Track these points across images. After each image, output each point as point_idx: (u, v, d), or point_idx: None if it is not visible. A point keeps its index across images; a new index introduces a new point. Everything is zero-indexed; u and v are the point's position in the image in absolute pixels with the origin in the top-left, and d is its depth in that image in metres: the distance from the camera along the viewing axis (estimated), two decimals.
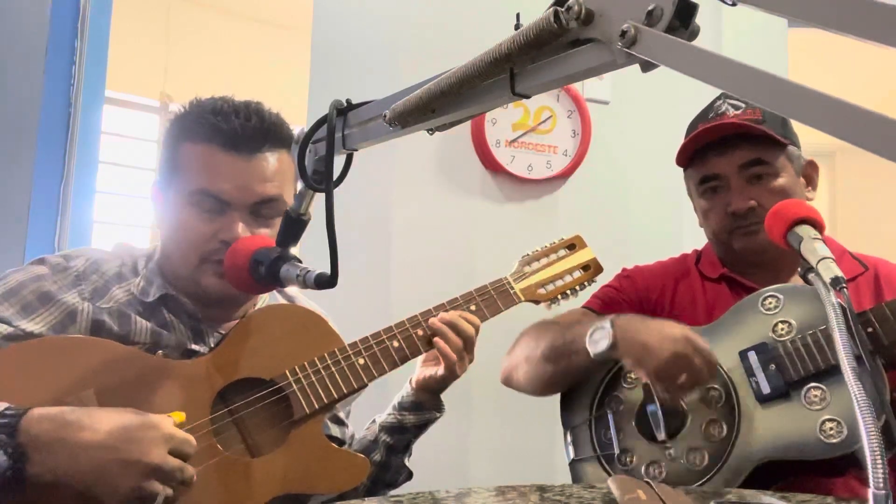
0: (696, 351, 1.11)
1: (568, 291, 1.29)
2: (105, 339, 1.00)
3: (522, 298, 1.23)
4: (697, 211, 1.40)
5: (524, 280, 1.25)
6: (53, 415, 0.85)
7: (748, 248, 1.29)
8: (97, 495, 0.84)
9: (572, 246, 1.32)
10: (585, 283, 1.31)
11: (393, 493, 1.22)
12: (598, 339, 1.18)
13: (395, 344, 1.12)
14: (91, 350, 0.97)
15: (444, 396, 1.21)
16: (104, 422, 0.85)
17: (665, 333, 1.13)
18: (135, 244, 1.17)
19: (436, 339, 1.13)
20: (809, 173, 1.35)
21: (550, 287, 1.27)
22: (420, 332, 1.13)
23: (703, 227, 1.40)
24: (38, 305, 1.00)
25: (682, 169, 1.40)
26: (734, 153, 1.29)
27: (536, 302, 1.26)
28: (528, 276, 1.26)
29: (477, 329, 1.16)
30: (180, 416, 0.92)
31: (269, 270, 0.91)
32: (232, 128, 1.04)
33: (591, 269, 1.31)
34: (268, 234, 1.06)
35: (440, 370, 1.14)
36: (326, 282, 0.84)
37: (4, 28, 1.82)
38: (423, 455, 1.28)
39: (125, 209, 3.82)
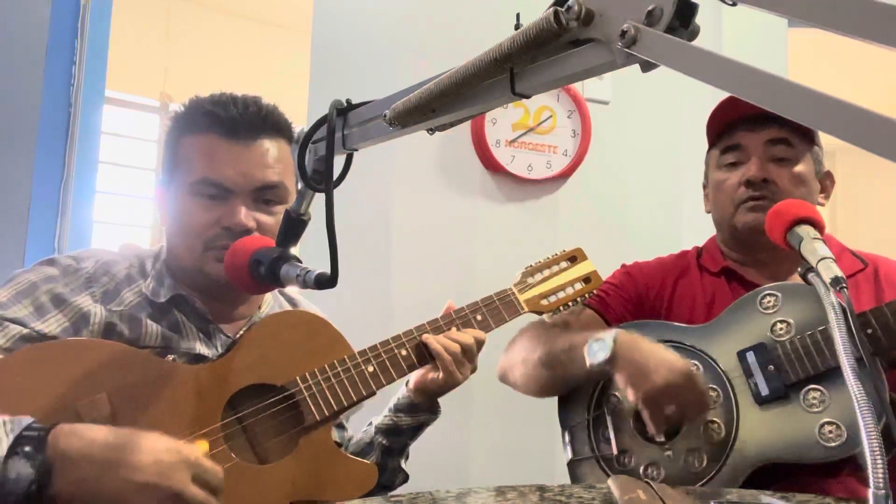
0: (692, 387, 1.11)
1: (570, 303, 1.32)
2: (117, 342, 1.00)
3: (526, 309, 1.26)
4: (710, 189, 1.38)
5: (528, 291, 1.28)
6: (81, 431, 0.84)
7: (752, 226, 1.28)
8: None
9: (573, 258, 1.35)
10: (585, 296, 1.35)
11: (393, 493, 1.22)
12: (596, 350, 1.17)
13: (403, 352, 1.13)
14: (104, 353, 0.97)
15: (444, 396, 1.21)
16: (131, 441, 0.84)
17: (664, 360, 1.12)
18: (140, 245, 1.17)
19: (434, 348, 1.14)
20: (825, 182, 1.35)
21: (552, 298, 1.30)
22: (427, 344, 1.15)
23: (710, 210, 1.39)
24: (51, 307, 1.00)
25: (682, 168, 1.40)
26: (764, 130, 1.29)
27: (539, 313, 1.29)
28: (531, 287, 1.29)
29: (480, 343, 1.18)
30: (203, 444, 0.92)
31: (269, 270, 0.91)
32: (231, 116, 1.06)
33: (592, 281, 1.35)
34: (269, 222, 1.08)
35: (439, 375, 1.15)
36: (326, 282, 0.83)
37: (4, 28, 1.82)
38: (424, 455, 1.28)
39: (125, 209, 3.83)
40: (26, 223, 1.82)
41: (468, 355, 1.16)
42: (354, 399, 1.07)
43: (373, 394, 1.10)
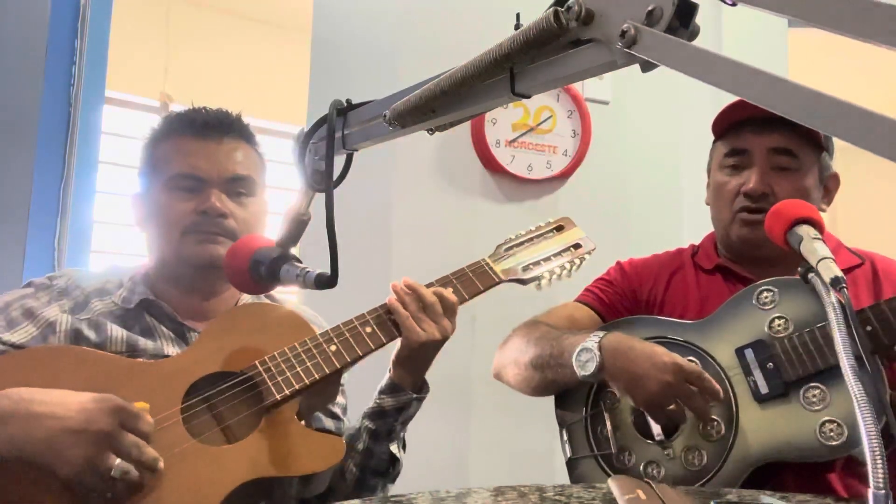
0: (687, 379, 1.10)
1: (558, 269, 1.25)
2: (82, 346, 1.05)
3: (502, 278, 1.21)
4: (710, 187, 1.37)
5: (504, 261, 1.23)
6: (8, 392, 0.89)
7: (747, 241, 1.28)
8: (51, 466, 0.86)
9: (560, 227, 1.30)
10: (576, 261, 1.27)
11: (393, 493, 1.22)
12: (584, 360, 1.17)
13: (368, 329, 1.13)
14: (67, 357, 1.02)
15: (443, 396, 1.21)
16: (57, 396, 0.90)
17: (654, 362, 1.11)
18: (126, 266, 1.22)
19: (388, 303, 1.14)
20: (830, 186, 1.34)
21: (536, 268, 1.24)
22: (393, 317, 1.14)
23: (708, 203, 1.38)
24: (22, 320, 1.06)
25: (682, 168, 1.40)
26: (770, 135, 1.27)
27: (520, 282, 1.23)
28: (508, 257, 1.24)
29: (446, 300, 1.15)
30: (143, 404, 0.95)
31: (269, 270, 0.91)
32: (201, 117, 1.17)
33: (583, 247, 1.28)
34: (241, 213, 1.15)
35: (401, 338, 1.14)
36: (326, 282, 0.84)
37: (4, 28, 1.82)
38: (424, 455, 1.28)
39: (125, 209, 3.81)
40: (26, 223, 1.82)
41: (429, 311, 1.14)
42: (316, 377, 1.07)
43: (338, 371, 1.09)
